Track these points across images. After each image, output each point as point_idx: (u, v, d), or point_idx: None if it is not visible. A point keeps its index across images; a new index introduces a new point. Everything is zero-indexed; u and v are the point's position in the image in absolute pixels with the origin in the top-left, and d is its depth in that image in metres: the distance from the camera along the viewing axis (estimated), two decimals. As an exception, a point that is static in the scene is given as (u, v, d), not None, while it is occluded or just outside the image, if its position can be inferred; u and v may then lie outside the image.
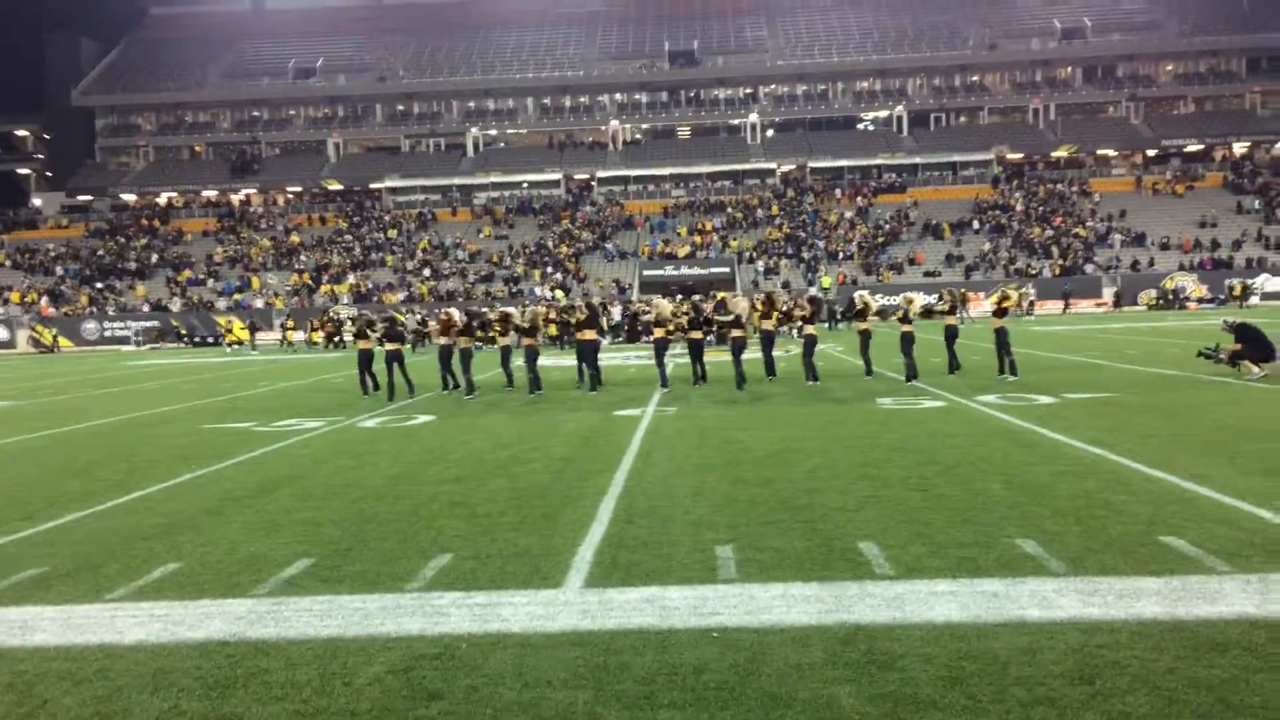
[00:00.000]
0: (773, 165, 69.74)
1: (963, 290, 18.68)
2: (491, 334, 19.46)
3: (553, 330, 30.66)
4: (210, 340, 50.09)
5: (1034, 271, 53.12)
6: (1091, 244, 56.74)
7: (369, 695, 4.25)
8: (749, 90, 74.68)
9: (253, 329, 45.87)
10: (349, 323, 44.37)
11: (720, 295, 21.65)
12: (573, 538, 6.80)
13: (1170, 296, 49.87)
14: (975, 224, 60.42)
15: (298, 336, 45.70)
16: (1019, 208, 62.10)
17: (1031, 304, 48.36)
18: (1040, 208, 61.88)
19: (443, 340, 18.04)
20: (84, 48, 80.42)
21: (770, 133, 73.90)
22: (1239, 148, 68.11)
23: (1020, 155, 68.07)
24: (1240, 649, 4.42)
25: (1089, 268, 53.78)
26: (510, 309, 19.22)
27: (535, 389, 17.06)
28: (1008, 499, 7.50)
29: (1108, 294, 51.36)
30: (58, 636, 5.17)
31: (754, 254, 58.19)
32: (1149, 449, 9.42)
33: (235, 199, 72.27)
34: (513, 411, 14.84)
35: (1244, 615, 4.84)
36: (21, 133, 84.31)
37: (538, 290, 53.77)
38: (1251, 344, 15.62)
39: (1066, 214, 60.69)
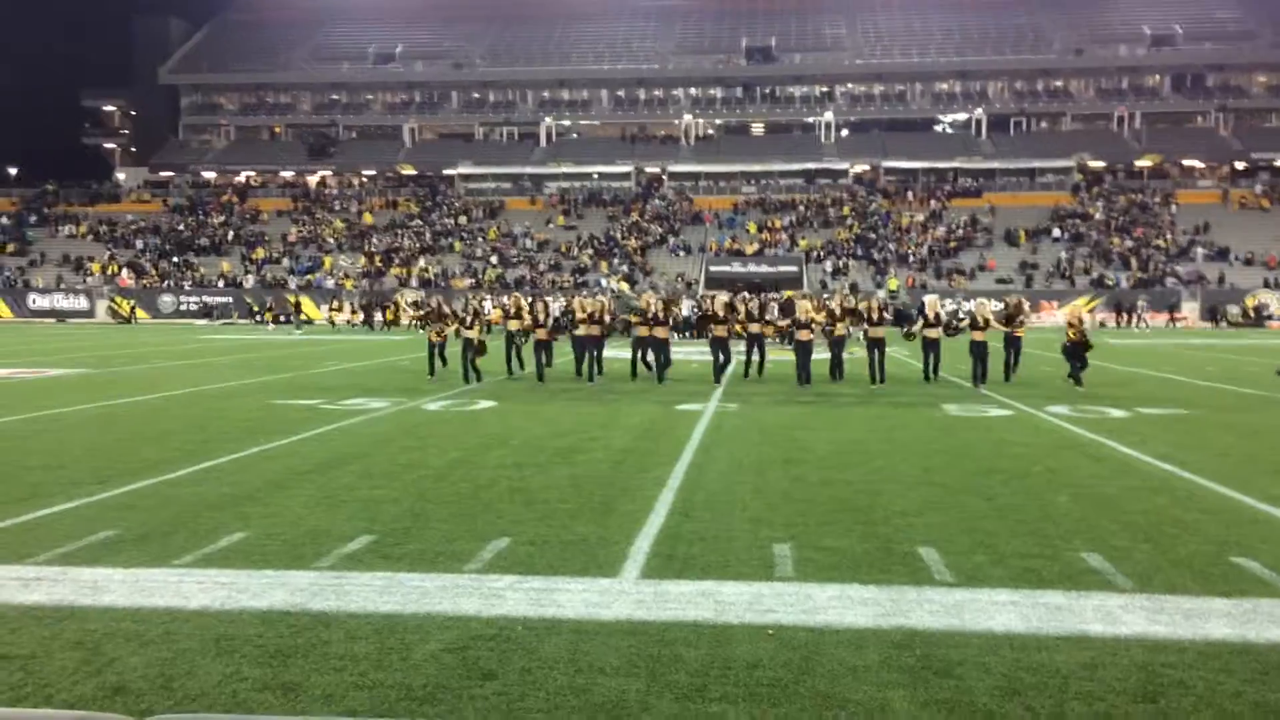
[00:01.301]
0: (846, 165, 68.95)
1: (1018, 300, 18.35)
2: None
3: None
4: (259, 318, 50.34)
5: (1110, 283, 51.84)
6: (1173, 256, 55.26)
7: (425, 671, 4.31)
8: (825, 89, 73.96)
9: (297, 307, 46.65)
10: (414, 307, 44.98)
11: (788, 294, 21.52)
12: (630, 528, 6.81)
13: (1253, 314, 48.39)
14: (1054, 232, 59.13)
15: (340, 318, 46.52)
16: (1098, 217, 60.66)
17: (1141, 317, 46.44)
18: (1120, 218, 60.38)
19: (513, 326, 18.25)
20: (172, 27, 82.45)
21: (845, 132, 73.14)
22: (1332, 163, 65.85)
23: (1102, 163, 66.36)
24: (1313, 677, 4.28)
25: (1169, 281, 52.33)
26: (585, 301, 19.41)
27: (597, 375, 17.48)
28: (1075, 512, 7.35)
29: (1187, 308, 49.89)
30: (126, 598, 5.31)
31: (822, 253, 57.67)
32: (1224, 467, 9.17)
33: (311, 180, 73.53)
34: (575, 401, 14.91)
35: (1318, 643, 4.68)
36: (109, 108, 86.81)
37: (603, 282, 53.91)
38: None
39: (1148, 225, 59.15)
